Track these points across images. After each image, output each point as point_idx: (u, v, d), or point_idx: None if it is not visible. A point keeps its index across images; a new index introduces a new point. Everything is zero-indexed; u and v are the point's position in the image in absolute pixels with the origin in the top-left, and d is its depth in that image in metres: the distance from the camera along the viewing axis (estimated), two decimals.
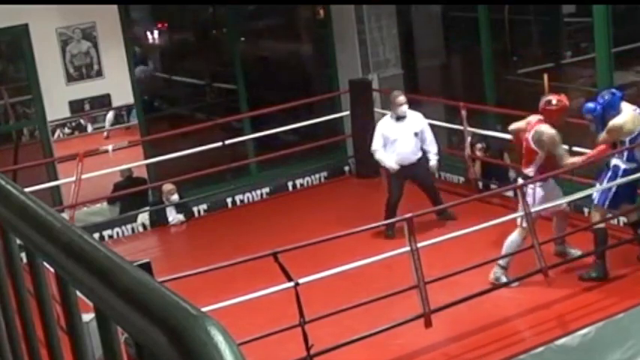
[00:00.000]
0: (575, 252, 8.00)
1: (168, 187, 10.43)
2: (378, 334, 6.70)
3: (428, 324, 6.77)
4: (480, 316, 7.18)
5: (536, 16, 11.68)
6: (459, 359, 6.79)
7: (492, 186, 10.05)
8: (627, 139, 7.54)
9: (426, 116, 11.56)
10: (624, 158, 7.62)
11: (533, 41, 12.22)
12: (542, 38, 12.01)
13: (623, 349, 6.95)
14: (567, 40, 11.69)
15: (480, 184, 10.30)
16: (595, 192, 7.77)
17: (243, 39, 12.49)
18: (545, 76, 10.50)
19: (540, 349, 6.76)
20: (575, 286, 7.61)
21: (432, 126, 9.42)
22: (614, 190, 7.63)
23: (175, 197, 10.45)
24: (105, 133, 11.06)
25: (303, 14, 13.24)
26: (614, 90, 7.77)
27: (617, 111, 7.56)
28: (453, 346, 6.92)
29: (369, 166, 11.47)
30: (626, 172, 7.60)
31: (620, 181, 7.58)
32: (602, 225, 7.72)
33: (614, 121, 7.50)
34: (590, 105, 7.69)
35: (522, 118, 8.14)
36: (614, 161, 7.66)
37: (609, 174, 7.67)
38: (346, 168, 11.81)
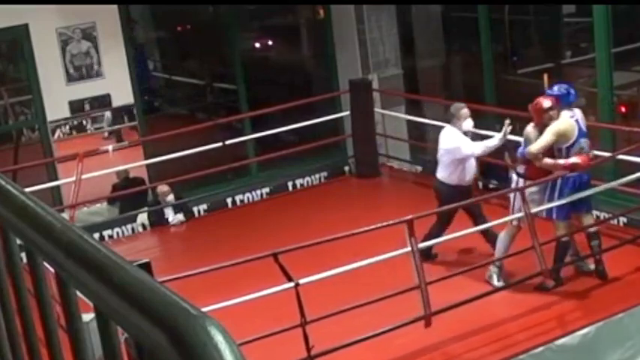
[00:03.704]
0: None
1: (163, 188, 10.44)
2: (379, 335, 6.70)
3: (428, 324, 6.78)
4: (480, 316, 7.18)
5: (536, 16, 11.69)
6: (459, 359, 6.79)
7: (491, 186, 10.05)
8: (564, 147, 7.40)
9: (426, 116, 11.62)
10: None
11: (533, 41, 12.23)
12: (542, 38, 12.01)
13: (623, 349, 6.95)
14: (567, 40, 11.69)
15: (480, 184, 10.29)
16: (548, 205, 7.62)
17: (242, 39, 12.49)
18: (545, 77, 10.50)
19: (540, 349, 6.76)
20: (575, 287, 7.61)
21: (432, 126, 9.40)
22: (557, 200, 7.52)
23: (171, 198, 10.45)
24: (105, 134, 11.06)
25: (303, 14, 13.25)
26: (572, 90, 7.62)
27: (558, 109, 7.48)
28: (454, 346, 6.92)
29: (369, 166, 11.50)
30: (569, 181, 7.48)
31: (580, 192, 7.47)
32: (564, 238, 7.61)
33: (558, 127, 7.36)
34: (549, 90, 7.67)
35: (522, 118, 8.15)
36: (557, 172, 7.51)
37: (555, 185, 7.54)
38: (346, 168, 11.81)
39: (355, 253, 7.26)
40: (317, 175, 11.56)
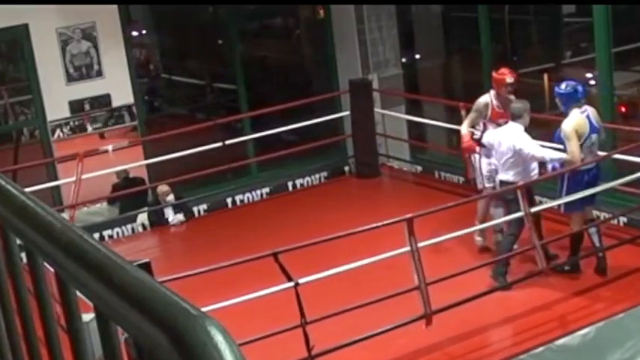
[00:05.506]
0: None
1: (163, 188, 10.44)
2: (380, 334, 6.70)
3: (428, 323, 6.79)
4: (480, 316, 7.18)
5: (536, 16, 11.68)
6: (459, 359, 6.79)
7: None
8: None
9: (426, 116, 11.62)
10: None
11: (533, 41, 12.23)
12: (542, 38, 12.01)
13: (623, 349, 6.94)
14: (567, 40, 11.69)
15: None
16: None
17: (243, 39, 12.49)
18: (546, 76, 10.50)
19: (540, 349, 6.75)
20: (575, 287, 7.61)
21: (432, 126, 9.37)
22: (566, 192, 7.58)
23: (171, 198, 10.45)
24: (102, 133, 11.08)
25: (303, 14, 13.25)
26: (580, 87, 7.60)
27: (567, 107, 7.52)
28: (454, 346, 6.91)
29: (369, 166, 11.49)
30: (576, 175, 7.54)
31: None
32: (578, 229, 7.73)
33: (571, 125, 7.41)
34: (557, 88, 7.70)
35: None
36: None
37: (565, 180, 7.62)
38: (346, 168, 11.81)
39: (355, 252, 7.26)
40: (317, 175, 11.56)
